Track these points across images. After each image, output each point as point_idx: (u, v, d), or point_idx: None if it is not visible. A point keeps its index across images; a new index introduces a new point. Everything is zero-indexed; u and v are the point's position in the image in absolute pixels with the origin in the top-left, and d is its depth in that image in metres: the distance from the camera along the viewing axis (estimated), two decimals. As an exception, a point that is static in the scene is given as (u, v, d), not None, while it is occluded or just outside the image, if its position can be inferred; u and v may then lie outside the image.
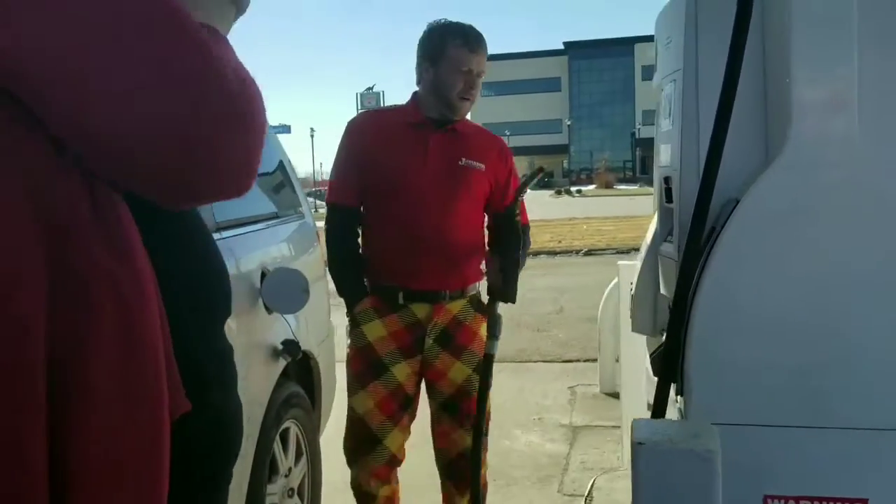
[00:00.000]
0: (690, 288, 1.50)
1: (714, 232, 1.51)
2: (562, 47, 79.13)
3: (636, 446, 0.94)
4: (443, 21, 2.18)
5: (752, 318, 1.47)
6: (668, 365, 1.56)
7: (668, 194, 1.76)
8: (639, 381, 3.28)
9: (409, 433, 2.27)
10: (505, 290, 2.09)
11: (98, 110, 0.67)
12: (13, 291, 0.66)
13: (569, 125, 75.45)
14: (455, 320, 2.20)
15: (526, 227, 2.22)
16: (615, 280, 4.50)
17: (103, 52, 0.66)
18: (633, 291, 1.94)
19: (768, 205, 1.46)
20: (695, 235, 1.36)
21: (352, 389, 2.25)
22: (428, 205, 2.13)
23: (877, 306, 1.43)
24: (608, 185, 55.22)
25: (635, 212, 23.15)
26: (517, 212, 2.13)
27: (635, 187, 54.47)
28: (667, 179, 1.75)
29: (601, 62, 75.81)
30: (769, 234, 1.45)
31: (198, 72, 0.70)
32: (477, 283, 2.27)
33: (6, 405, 0.66)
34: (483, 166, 2.18)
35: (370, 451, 2.22)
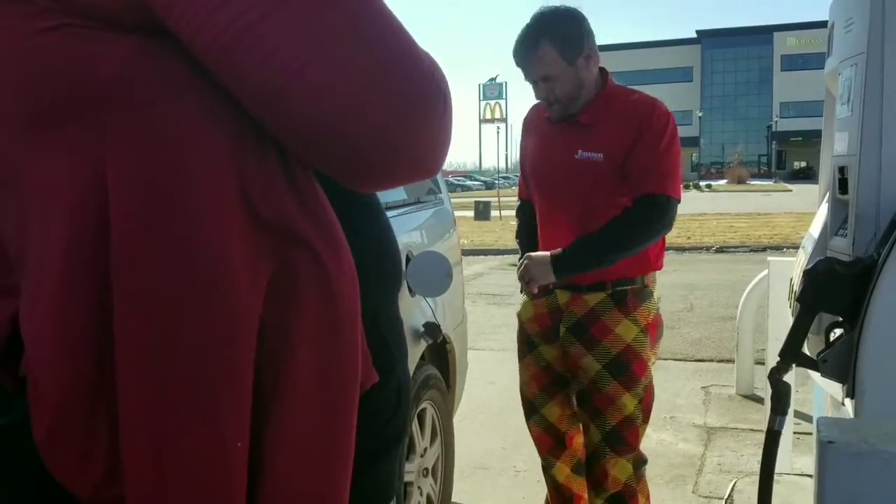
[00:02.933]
0: (869, 285, 1.41)
1: (898, 226, 1.41)
2: (694, 35, 76.13)
3: (825, 446, 0.89)
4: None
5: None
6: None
7: (842, 185, 1.65)
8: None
9: (572, 410, 2.28)
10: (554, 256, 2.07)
11: (302, 98, 0.64)
12: (231, 288, 0.66)
13: (700, 117, 72.55)
14: (592, 313, 2.13)
15: (630, 233, 2.04)
16: (757, 278, 4.30)
17: (314, 39, 0.64)
18: (796, 288, 1.83)
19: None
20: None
21: (518, 356, 2.37)
22: (556, 200, 2.18)
23: None
24: (741, 181, 52.52)
25: (770, 209, 22.04)
26: (635, 212, 2.02)
27: (770, 183, 51.70)
28: (842, 169, 1.64)
29: (736, 51, 72.34)
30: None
31: (400, 58, 0.68)
32: (629, 280, 2.12)
33: (217, 401, 0.67)
34: (601, 156, 2.06)
35: (531, 415, 2.32)
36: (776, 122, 66.38)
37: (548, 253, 2.11)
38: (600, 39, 2.15)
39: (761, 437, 3.52)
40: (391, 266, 1.10)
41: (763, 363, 4.66)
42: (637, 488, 2.21)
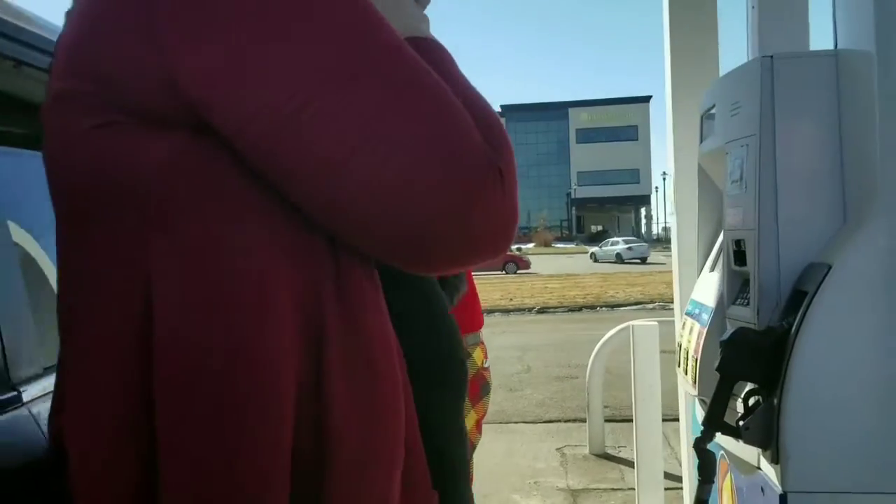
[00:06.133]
0: (784, 352, 1.49)
1: (805, 297, 1.51)
2: (499, 110, 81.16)
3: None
4: None
5: (856, 386, 1.45)
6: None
7: (737, 256, 1.76)
8: (655, 444, 3.25)
9: None
10: None
11: (348, 182, 0.59)
12: (279, 401, 0.60)
13: (506, 184, 76.57)
14: None
15: None
16: (604, 338, 4.50)
17: (359, 126, 0.58)
18: (696, 356, 1.91)
19: (864, 269, 1.46)
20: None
21: None
22: None
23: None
24: (547, 244, 56.17)
25: (577, 270, 23.58)
26: None
27: (572, 245, 55.68)
28: (738, 242, 1.74)
29: (537, 125, 77.91)
30: (869, 298, 1.45)
31: (442, 134, 0.61)
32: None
33: None
34: None
35: None
36: (574, 189, 71.88)
37: None
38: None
39: (623, 496, 3.63)
40: (451, 371, 0.95)
41: (613, 421, 4.86)
42: None
